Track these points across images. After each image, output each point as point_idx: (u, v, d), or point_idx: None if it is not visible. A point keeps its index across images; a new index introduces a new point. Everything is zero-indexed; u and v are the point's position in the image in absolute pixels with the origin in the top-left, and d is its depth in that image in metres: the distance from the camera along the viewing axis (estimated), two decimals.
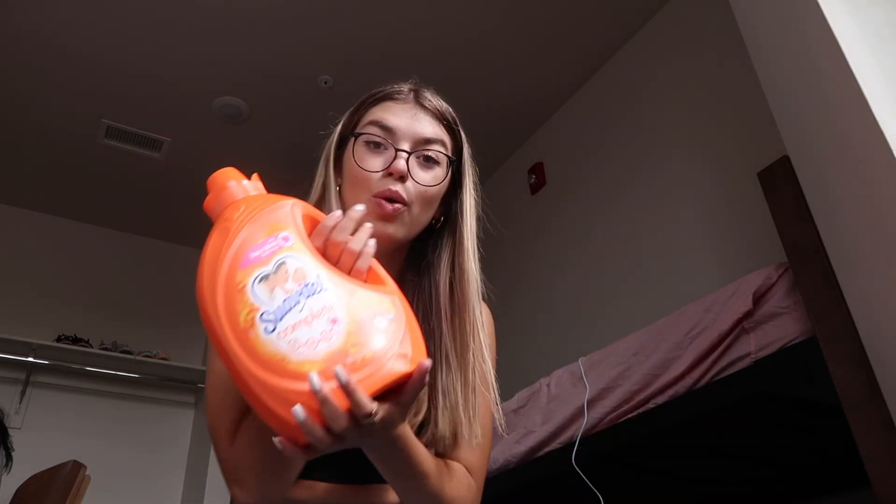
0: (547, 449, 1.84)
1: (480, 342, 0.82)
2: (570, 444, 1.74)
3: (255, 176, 0.65)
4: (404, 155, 0.81)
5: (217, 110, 3.19)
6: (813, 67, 1.39)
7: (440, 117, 0.86)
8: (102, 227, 4.00)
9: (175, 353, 3.66)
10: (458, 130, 0.89)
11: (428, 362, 0.56)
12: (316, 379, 0.51)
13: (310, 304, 0.54)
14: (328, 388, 0.51)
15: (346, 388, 0.51)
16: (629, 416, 1.66)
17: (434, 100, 0.88)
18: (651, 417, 1.60)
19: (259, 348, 0.52)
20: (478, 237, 0.90)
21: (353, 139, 0.85)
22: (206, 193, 0.63)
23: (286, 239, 0.58)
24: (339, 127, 0.91)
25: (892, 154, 1.20)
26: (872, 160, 1.24)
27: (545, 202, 3.28)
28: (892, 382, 1.19)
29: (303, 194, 0.80)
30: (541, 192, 3.32)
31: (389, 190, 0.79)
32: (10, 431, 2.46)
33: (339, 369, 0.51)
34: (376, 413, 0.53)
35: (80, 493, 1.56)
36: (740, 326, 1.46)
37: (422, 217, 0.83)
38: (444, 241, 0.87)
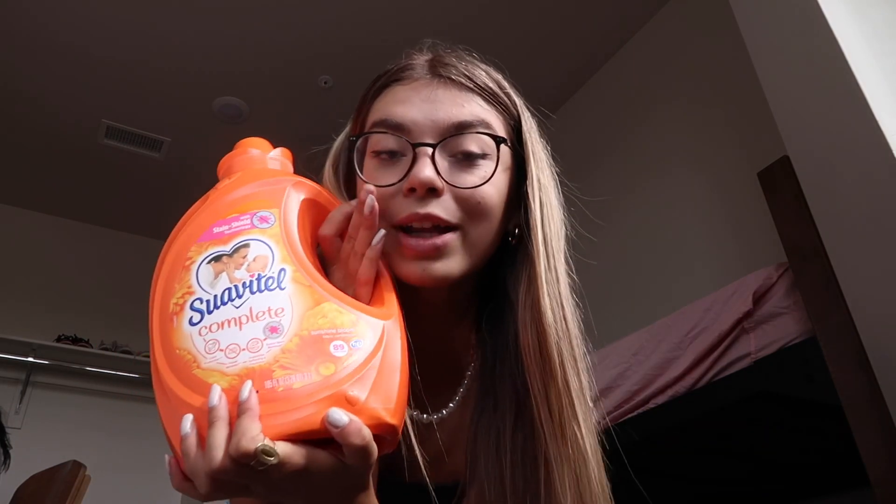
0: None
1: (575, 416, 0.54)
2: None
3: (282, 150, 0.54)
4: (427, 153, 0.54)
5: (217, 110, 3.19)
6: (813, 67, 1.39)
7: (475, 87, 0.59)
8: (102, 227, 4.00)
9: None
10: (510, 98, 0.63)
11: (355, 424, 0.38)
12: (217, 394, 0.38)
13: (253, 301, 0.42)
14: (225, 409, 0.38)
15: (238, 412, 0.37)
16: (629, 415, 1.65)
17: (461, 64, 0.61)
18: (651, 417, 1.60)
19: (174, 340, 0.43)
20: (567, 248, 0.62)
21: (356, 153, 0.59)
22: (204, 192, 0.54)
23: (264, 220, 0.46)
24: (344, 134, 0.66)
25: (892, 154, 1.20)
26: (872, 160, 1.24)
27: None
28: (892, 382, 1.19)
29: None
30: None
31: (416, 214, 0.53)
32: (10, 431, 2.45)
33: (246, 388, 0.38)
34: (271, 457, 0.36)
35: (80, 493, 1.56)
36: (740, 326, 1.46)
37: (484, 236, 0.56)
38: (518, 266, 0.59)
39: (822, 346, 1.32)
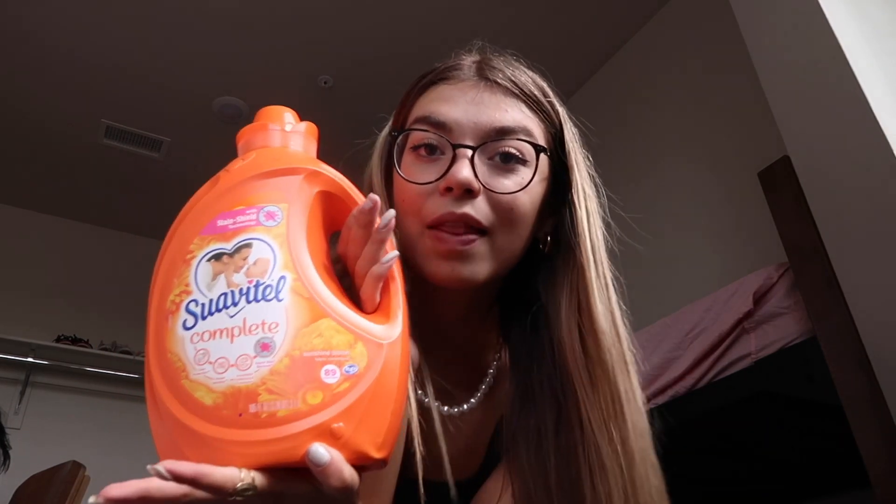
0: None
1: (630, 422, 0.55)
2: None
3: (306, 126, 0.50)
4: (467, 154, 0.54)
5: (217, 110, 3.18)
6: (813, 67, 1.39)
7: (518, 92, 0.59)
8: (102, 227, 4.00)
9: None
10: (553, 107, 0.62)
11: (335, 465, 0.36)
12: (179, 469, 0.36)
13: (248, 311, 0.40)
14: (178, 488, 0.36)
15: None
16: None
17: (508, 69, 0.61)
18: (650, 417, 1.60)
19: (168, 342, 0.40)
20: (610, 254, 0.62)
21: (397, 146, 0.59)
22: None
23: (271, 216, 0.43)
24: (387, 129, 0.65)
25: (893, 154, 1.20)
26: (872, 160, 1.24)
27: None
28: (892, 382, 1.19)
29: None
30: None
31: (451, 213, 0.53)
32: (10, 432, 2.45)
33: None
34: (247, 490, 0.35)
35: (80, 493, 1.56)
36: (740, 326, 1.46)
37: (513, 244, 0.57)
38: (558, 272, 0.59)
39: (822, 346, 1.32)
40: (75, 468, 1.59)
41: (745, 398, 1.44)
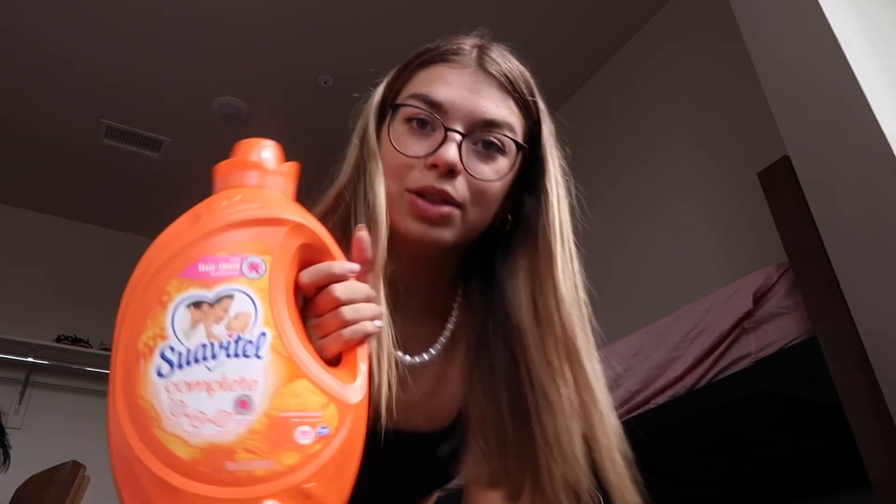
0: None
1: (588, 369, 0.61)
2: None
3: (289, 167, 0.50)
4: (456, 139, 0.60)
5: (217, 110, 3.18)
6: (813, 67, 1.39)
7: (509, 88, 0.65)
8: (102, 227, 4.00)
9: None
10: (536, 105, 0.68)
11: None
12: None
13: (227, 367, 0.40)
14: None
15: None
16: (629, 415, 1.65)
17: (504, 61, 0.66)
18: (651, 417, 1.60)
19: (139, 388, 0.41)
20: (575, 237, 0.68)
21: (390, 112, 0.65)
22: (205, 193, 0.49)
23: (254, 268, 0.43)
24: (381, 90, 0.70)
25: (893, 154, 1.20)
26: (872, 160, 1.24)
27: None
28: (892, 382, 1.19)
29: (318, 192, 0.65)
30: None
31: (432, 187, 0.59)
32: (10, 432, 2.45)
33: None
34: None
35: (80, 493, 1.56)
36: (740, 326, 1.46)
37: (480, 220, 0.64)
38: (517, 249, 0.66)
39: (822, 346, 1.32)
40: (75, 468, 1.59)
41: (745, 398, 1.44)
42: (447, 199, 0.60)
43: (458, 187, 0.60)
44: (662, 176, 2.63)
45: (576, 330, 0.62)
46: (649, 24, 2.85)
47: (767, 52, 1.53)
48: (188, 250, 0.43)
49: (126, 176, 3.60)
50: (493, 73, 0.64)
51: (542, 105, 0.69)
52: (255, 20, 2.77)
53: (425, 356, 0.68)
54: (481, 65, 0.65)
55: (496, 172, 0.62)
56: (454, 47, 0.66)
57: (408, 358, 0.66)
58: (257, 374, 0.40)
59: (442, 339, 0.69)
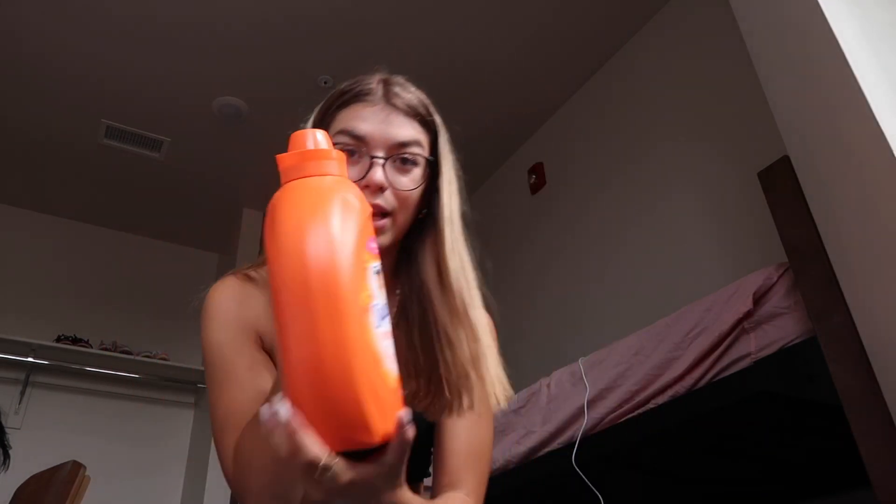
0: (547, 449, 1.84)
1: (473, 320, 0.79)
2: (570, 444, 1.74)
3: (339, 154, 0.56)
4: (380, 162, 0.77)
5: (217, 110, 3.19)
6: (813, 67, 1.39)
7: (414, 114, 0.82)
8: (102, 227, 4.00)
9: (175, 353, 3.66)
10: (434, 121, 0.85)
11: (403, 415, 0.50)
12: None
13: (386, 324, 0.51)
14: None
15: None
16: (629, 416, 1.65)
17: (405, 93, 0.83)
18: (651, 417, 1.60)
19: (368, 335, 0.48)
20: (471, 222, 0.85)
21: None
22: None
23: (372, 248, 0.53)
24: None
25: (892, 154, 1.20)
26: (872, 160, 1.24)
27: (545, 202, 3.28)
28: (892, 382, 1.19)
29: None
30: (541, 193, 3.32)
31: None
32: (10, 432, 2.45)
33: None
34: (328, 469, 0.47)
35: (80, 493, 1.56)
36: (740, 326, 1.46)
37: (406, 220, 0.81)
38: (426, 232, 0.83)
39: (822, 346, 1.32)
40: (75, 468, 1.59)
41: (745, 398, 1.44)
42: (381, 211, 0.77)
43: (387, 199, 0.77)
44: (662, 176, 2.63)
45: (462, 290, 0.80)
46: (649, 23, 2.85)
47: (767, 52, 1.53)
48: (365, 225, 0.52)
49: (126, 176, 3.60)
50: (398, 104, 0.81)
51: (438, 120, 0.85)
52: (255, 20, 2.77)
53: None
54: (388, 99, 0.81)
55: (413, 182, 0.79)
56: (365, 88, 0.82)
57: None
58: (391, 338, 0.53)
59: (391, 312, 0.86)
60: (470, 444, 0.86)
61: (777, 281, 1.46)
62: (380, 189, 0.76)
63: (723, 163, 2.37)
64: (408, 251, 0.85)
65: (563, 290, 2.99)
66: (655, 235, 2.59)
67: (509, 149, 3.56)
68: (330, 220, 0.49)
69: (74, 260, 3.84)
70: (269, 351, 0.79)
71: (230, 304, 0.80)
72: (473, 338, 0.78)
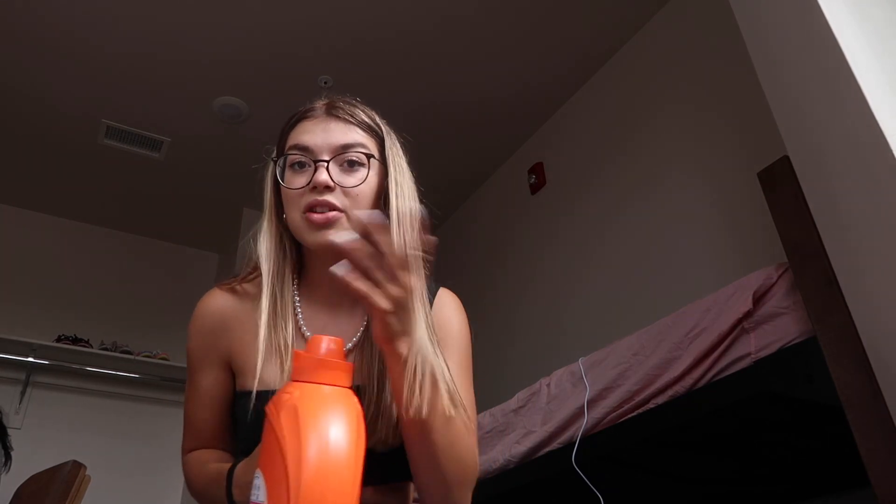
0: (547, 449, 1.84)
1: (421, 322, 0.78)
2: (570, 444, 1.74)
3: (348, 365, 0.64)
4: (323, 164, 0.83)
5: (217, 110, 3.19)
6: (813, 67, 1.39)
7: (355, 121, 0.88)
8: (102, 227, 4.00)
9: (175, 353, 3.66)
10: (378, 128, 0.90)
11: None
12: None
13: None
14: None
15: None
16: (629, 416, 1.65)
17: (346, 107, 0.89)
18: (651, 417, 1.60)
19: None
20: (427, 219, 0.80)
21: (279, 164, 0.87)
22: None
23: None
24: (274, 155, 0.93)
25: (892, 154, 1.20)
26: (872, 160, 1.24)
27: (545, 202, 3.28)
28: (892, 382, 1.19)
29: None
30: (541, 192, 3.32)
31: (315, 200, 0.82)
32: (11, 431, 2.45)
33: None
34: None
35: (80, 493, 1.56)
36: (740, 326, 1.46)
37: None
38: None
39: (822, 346, 1.32)
40: (76, 468, 1.59)
41: (745, 398, 1.43)
42: (331, 207, 0.82)
43: (337, 197, 0.83)
44: (662, 175, 2.63)
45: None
46: (649, 23, 2.85)
47: (767, 52, 1.53)
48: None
49: (126, 176, 3.60)
50: (338, 114, 0.88)
51: (384, 126, 0.92)
52: (255, 20, 2.77)
53: (348, 345, 0.87)
54: (329, 112, 0.88)
55: (359, 180, 0.85)
56: (309, 108, 0.90)
57: None
58: None
59: (359, 333, 0.88)
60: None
61: (777, 281, 1.46)
62: (327, 188, 0.82)
63: (723, 163, 2.37)
64: None
65: (563, 290, 2.99)
66: (655, 235, 2.59)
67: (509, 148, 3.56)
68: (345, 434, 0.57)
69: (74, 260, 3.84)
70: (238, 369, 0.87)
71: (209, 322, 0.89)
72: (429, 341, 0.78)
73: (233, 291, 0.90)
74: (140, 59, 2.91)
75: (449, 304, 0.94)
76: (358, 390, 0.77)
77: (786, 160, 1.45)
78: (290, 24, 2.79)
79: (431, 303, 0.91)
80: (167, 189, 3.68)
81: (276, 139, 0.93)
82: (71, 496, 1.52)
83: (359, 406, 0.61)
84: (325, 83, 3.05)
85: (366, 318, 0.88)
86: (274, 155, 0.93)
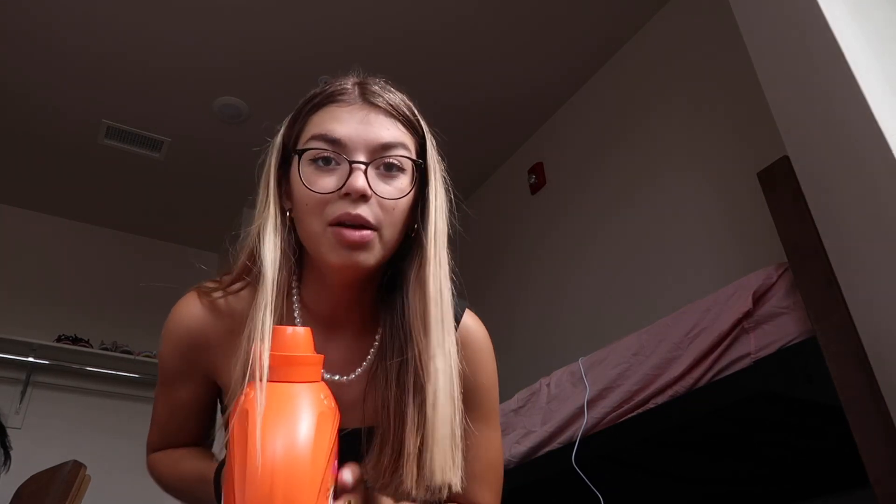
0: (547, 449, 1.84)
1: (447, 368, 0.68)
2: (570, 444, 1.74)
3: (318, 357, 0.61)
4: (361, 167, 0.67)
5: (217, 110, 3.19)
6: (813, 68, 1.39)
7: (396, 114, 0.72)
8: (102, 227, 4.00)
9: None
10: (419, 122, 0.75)
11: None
12: None
13: None
14: None
15: None
16: (629, 416, 1.65)
17: (385, 93, 0.73)
18: (651, 417, 1.60)
19: None
20: (456, 239, 0.76)
21: (296, 157, 0.71)
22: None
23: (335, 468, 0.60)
24: (279, 140, 0.76)
25: (892, 154, 1.20)
26: (872, 160, 1.24)
27: (545, 202, 3.28)
28: (892, 382, 1.19)
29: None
30: (541, 192, 3.32)
31: (348, 214, 0.66)
32: (11, 431, 2.45)
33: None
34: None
35: (80, 493, 1.55)
36: (740, 326, 1.46)
37: (392, 237, 0.70)
38: (413, 253, 0.73)
39: (822, 346, 1.32)
40: (76, 468, 1.59)
41: (745, 398, 1.44)
42: (364, 224, 0.66)
43: (371, 210, 0.67)
44: (662, 176, 2.63)
45: (438, 326, 0.69)
46: (649, 23, 2.85)
47: (767, 53, 1.53)
48: (334, 450, 0.59)
49: (126, 176, 3.60)
50: (378, 103, 0.71)
51: (423, 123, 0.76)
52: (255, 20, 2.77)
53: (353, 375, 0.76)
54: (365, 98, 0.71)
55: (400, 191, 0.69)
56: (338, 88, 0.73)
57: (336, 377, 0.75)
58: None
59: (368, 358, 0.77)
60: (480, 453, 0.77)
61: (777, 281, 1.46)
62: (362, 198, 0.66)
63: (723, 163, 2.37)
64: (392, 280, 0.75)
65: (563, 290, 2.99)
66: (656, 235, 2.59)
67: (509, 148, 3.56)
68: (299, 432, 0.54)
69: (74, 260, 3.84)
70: (226, 385, 0.78)
71: (187, 339, 0.78)
72: (445, 382, 0.68)
73: (215, 308, 0.77)
74: (140, 60, 2.91)
75: (477, 339, 0.81)
76: (369, 433, 0.70)
77: (786, 160, 1.45)
78: (291, 24, 2.79)
79: (457, 326, 0.78)
80: (167, 189, 3.68)
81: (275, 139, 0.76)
82: (71, 496, 1.52)
83: (322, 401, 0.57)
84: (325, 83, 3.05)
85: (375, 341, 0.77)
86: (282, 139, 0.76)
